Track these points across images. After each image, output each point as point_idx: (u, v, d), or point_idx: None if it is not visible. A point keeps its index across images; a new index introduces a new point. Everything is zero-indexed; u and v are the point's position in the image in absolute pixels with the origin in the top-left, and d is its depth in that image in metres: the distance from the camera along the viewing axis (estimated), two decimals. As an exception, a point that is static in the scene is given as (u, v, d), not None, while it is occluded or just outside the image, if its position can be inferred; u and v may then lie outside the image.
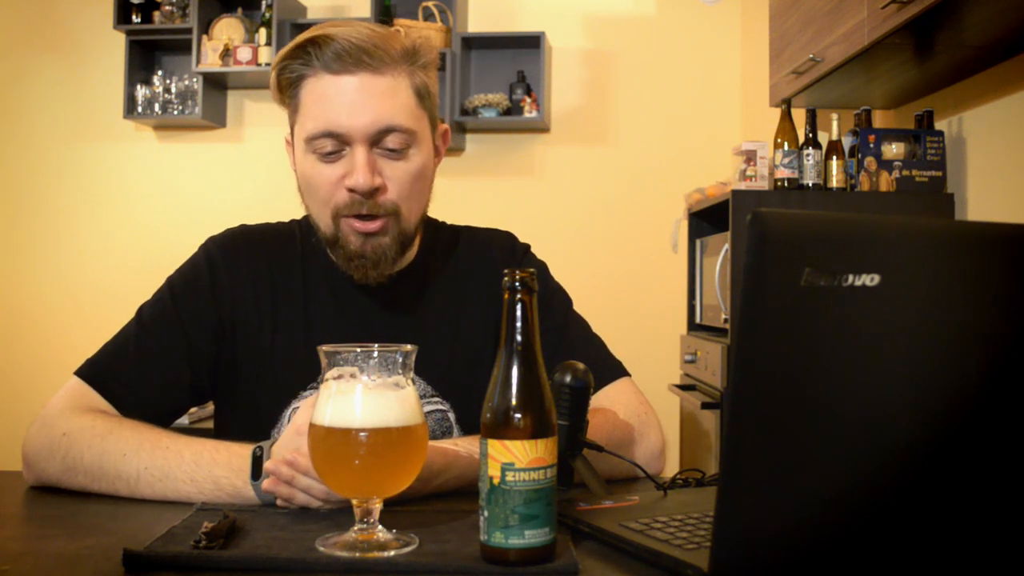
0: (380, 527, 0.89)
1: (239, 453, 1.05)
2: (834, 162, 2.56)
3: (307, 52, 1.18)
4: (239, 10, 4.00)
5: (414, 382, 0.93)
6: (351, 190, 1.19)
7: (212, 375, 1.28)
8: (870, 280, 0.65)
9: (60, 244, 4.21)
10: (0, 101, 4.25)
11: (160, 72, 4.06)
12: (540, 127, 3.94)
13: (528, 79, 3.90)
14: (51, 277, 4.20)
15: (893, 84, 2.55)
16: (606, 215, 3.94)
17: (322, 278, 1.31)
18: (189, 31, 3.89)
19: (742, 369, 0.65)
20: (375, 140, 1.19)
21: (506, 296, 0.85)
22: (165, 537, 0.88)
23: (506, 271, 0.85)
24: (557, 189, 3.99)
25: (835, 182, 2.56)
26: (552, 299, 1.35)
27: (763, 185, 2.65)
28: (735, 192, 2.55)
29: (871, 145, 2.50)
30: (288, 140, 1.30)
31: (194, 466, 1.05)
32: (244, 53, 3.88)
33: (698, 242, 3.14)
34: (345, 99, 1.17)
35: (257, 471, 1.02)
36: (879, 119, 2.81)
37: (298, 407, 1.24)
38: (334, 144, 1.18)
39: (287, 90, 1.23)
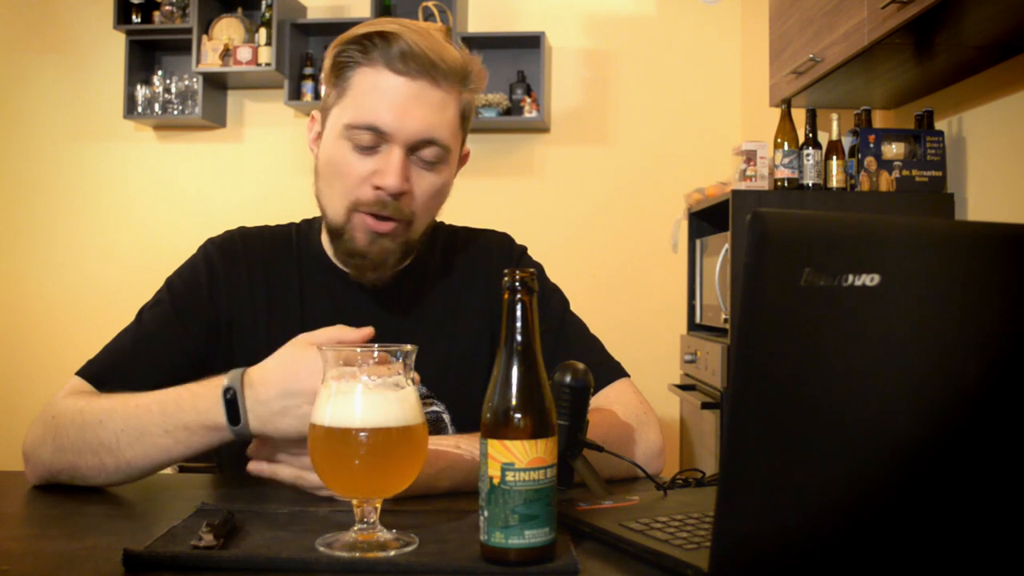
0: (380, 527, 0.89)
1: (202, 393, 1.04)
2: (834, 162, 2.56)
3: (372, 43, 1.18)
4: (239, 10, 4.00)
5: (413, 382, 0.93)
6: (378, 188, 1.19)
7: (209, 375, 1.27)
8: (870, 280, 0.65)
9: (60, 244, 4.21)
10: (0, 101, 4.25)
11: (160, 72, 4.06)
12: (540, 127, 3.94)
13: (528, 79, 3.90)
14: (51, 277, 4.20)
15: (893, 84, 2.55)
16: (606, 215, 3.94)
17: (319, 280, 1.31)
18: (189, 31, 3.89)
19: (742, 369, 0.65)
20: (413, 147, 1.19)
21: (506, 296, 0.85)
22: (165, 537, 0.88)
23: (506, 271, 0.85)
24: (557, 189, 3.99)
25: (835, 182, 2.57)
26: (549, 300, 1.35)
27: (763, 185, 2.65)
28: (735, 192, 2.55)
29: (871, 145, 2.50)
30: (314, 116, 1.30)
31: (162, 417, 1.05)
32: (244, 53, 3.88)
33: (698, 242, 3.14)
34: (398, 100, 1.17)
35: (234, 415, 1.01)
36: (879, 119, 2.81)
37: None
38: (372, 139, 1.18)
39: (338, 71, 1.22)
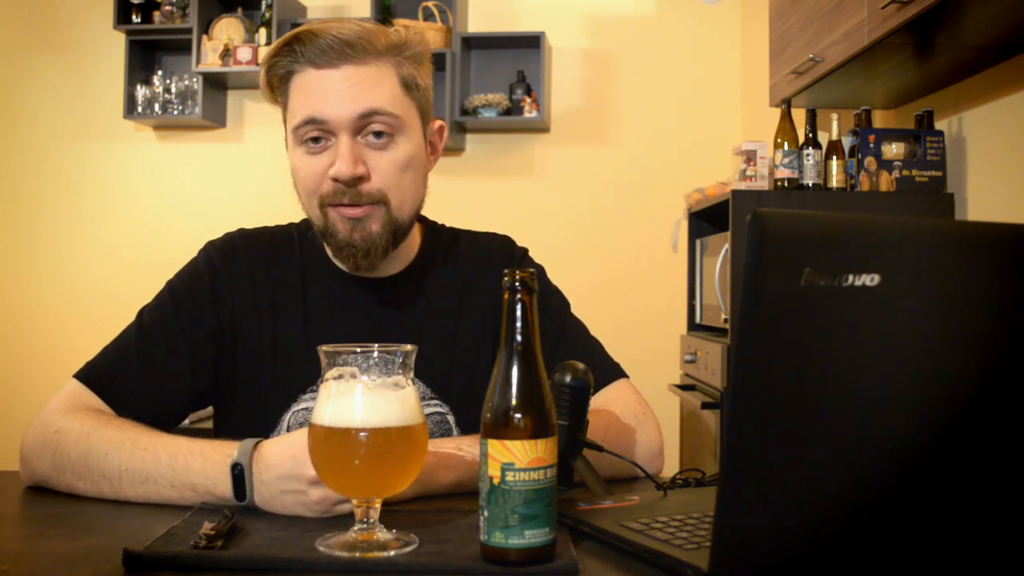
0: (380, 527, 0.89)
1: (214, 460, 1.03)
2: (834, 162, 2.56)
3: (293, 49, 1.20)
4: (239, 10, 4.00)
5: (414, 383, 0.93)
6: (335, 179, 1.19)
7: (212, 379, 1.27)
8: (870, 280, 0.65)
9: (60, 244, 4.21)
10: (0, 101, 4.25)
11: (160, 72, 4.06)
12: (540, 127, 3.94)
13: (528, 79, 3.90)
14: (51, 277, 4.20)
15: (893, 84, 2.55)
16: (606, 215, 3.94)
17: (321, 280, 1.31)
18: (189, 31, 3.89)
19: (742, 369, 0.65)
20: (358, 128, 1.19)
21: (506, 296, 0.85)
22: (165, 537, 0.88)
23: (506, 271, 0.85)
24: (557, 189, 3.99)
25: (835, 182, 2.56)
26: (550, 302, 1.35)
27: (763, 185, 2.65)
28: (735, 192, 2.55)
29: (871, 145, 2.50)
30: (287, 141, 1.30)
31: (171, 471, 1.04)
32: (244, 53, 3.88)
33: (698, 242, 3.14)
34: (329, 89, 1.19)
35: (240, 490, 1.00)
36: (879, 119, 2.81)
37: (298, 410, 1.24)
38: (318, 131, 1.19)
39: (277, 88, 1.25)
